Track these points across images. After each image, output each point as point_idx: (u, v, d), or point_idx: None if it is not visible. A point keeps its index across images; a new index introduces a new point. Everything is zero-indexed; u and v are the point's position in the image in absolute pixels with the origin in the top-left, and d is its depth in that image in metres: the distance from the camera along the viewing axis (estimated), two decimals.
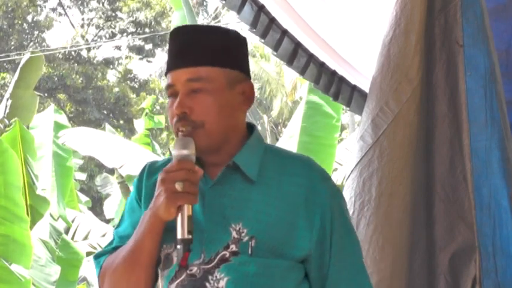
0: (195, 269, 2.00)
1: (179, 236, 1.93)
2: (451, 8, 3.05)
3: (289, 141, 9.81)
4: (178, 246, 1.93)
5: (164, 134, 26.87)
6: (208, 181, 2.05)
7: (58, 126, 11.62)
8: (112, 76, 30.05)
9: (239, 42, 2.16)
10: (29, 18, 28.83)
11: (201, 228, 2.00)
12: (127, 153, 10.71)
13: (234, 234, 2.00)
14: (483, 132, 3.00)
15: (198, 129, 2.04)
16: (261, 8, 3.38)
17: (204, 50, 2.08)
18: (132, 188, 2.25)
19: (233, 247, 1.99)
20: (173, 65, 2.10)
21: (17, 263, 8.34)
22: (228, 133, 2.08)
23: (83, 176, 20.92)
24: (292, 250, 2.02)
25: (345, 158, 10.37)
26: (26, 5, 27.96)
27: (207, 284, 1.98)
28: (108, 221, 15.24)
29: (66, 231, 11.21)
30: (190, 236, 1.93)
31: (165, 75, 2.13)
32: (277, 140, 19.08)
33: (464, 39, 3.04)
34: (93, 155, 11.26)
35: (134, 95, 28.65)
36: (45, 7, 29.89)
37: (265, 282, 1.99)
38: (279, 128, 28.37)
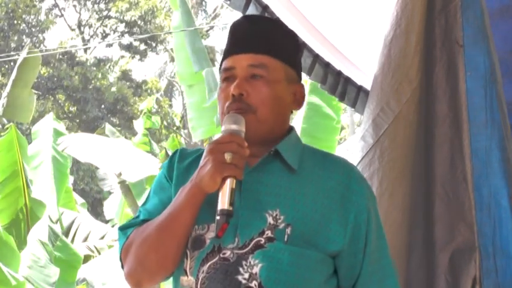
0: (228, 252, 1.98)
1: (220, 206, 1.93)
2: (451, 8, 3.05)
3: None
4: (218, 217, 1.92)
5: (162, 133, 26.89)
6: (246, 168, 2.03)
7: (57, 134, 11.95)
8: (110, 76, 30.09)
9: (299, 45, 2.21)
10: (28, 19, 28.84)
11: (236, 213, 1.98)
12: (126, 158, 10.74)
13: (270, 220, 1.99)
14: (483, 132, 3.00)
15: (250, 114, 2.04)
16: (265, 8, 3.38)
17: (269, 41, 2.10)
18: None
19: (268, 233, 1.98)
20: (235, 49, 2.10)
21: (7, 266, 8.38)
22: (275, 127, 2.10)
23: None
24: (325, 242, 2.02)
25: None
26: (25, 5, 27.97)
27: (241, 269, 1.97)
28: (107, 222, 15.25)
29: (67, 233, 11.26)
30: (231, 208, 1.93)
31: (222, 60, 2.13)
32: None
33: (464, 39, 3.04)
34: (92, 162, 11.34)
35: (132, 95, 28.66)
36: (41, 7, 29.90)
37: (297, 271, 1.99)
38: None
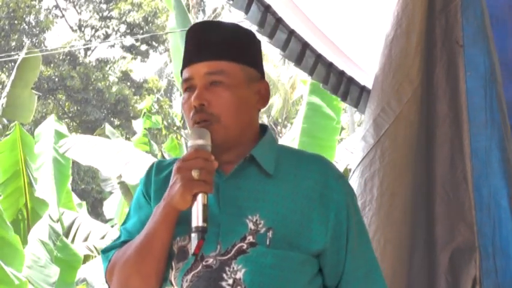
0: (211, 260, 1.99)
1: (194, 224, 1.92)
2: (451, 8, 3.06)
3: (291, 143, 9.83)
4: (193, 235, 1.92)
5: (163, 134, 26.89)
6: (222, 176, 2.04)
7: (58, 135, 12.06)
8: (111, 76, 30.09)
9: (256, 42, 2.18)
10: (28, 19, 28.84)
11: (216, 220, 1.99)
12: (126, 161, 10.76)
13: (250, 225, 2.00)
14: (483, 132, 3.01)
15: (215, 123, 2.04)
16: (267, 8, 3.38)
17: (224, 45, 2.08)
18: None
19: (250, 238, 1.99)
20: (192, 58, 2.09)
21: (10, 266, 8.38)
22: (243, 130, 2.09)
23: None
24: (308, 243, 2.02)
25: (344, 159, 10.41)
26: (26, 5, 27.97)
27: (224, 275, 1.97)
28: (107, 221, 15.27)
29: (67, 233, 11.27)
30: (205, 224, 1.92)
31: (181, 70, 2.12)
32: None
33: (464, 39, 3.04)
34: (92, 165, 11.39)
35: (133, 95, 28.67)
36: (41, 7, 29.90)
37: (280, 274, 1.99)
38: (279, 127, 28.41)
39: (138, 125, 16.88)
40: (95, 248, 11.43)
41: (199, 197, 1.94)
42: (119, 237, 2.13)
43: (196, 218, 1.93)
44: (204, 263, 1.99)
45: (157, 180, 2.12)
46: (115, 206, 14.78)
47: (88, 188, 25.32)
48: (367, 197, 2.98)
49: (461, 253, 2.97)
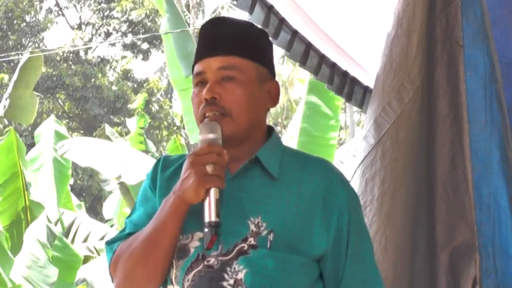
0: (212, 260, 1.99)
1: (207, 219, 1.93)
2: (452, 8, 3.06)
3: (289, 142, 9.84)
4: (206, 230, 1.93)
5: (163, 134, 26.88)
6: (227, 174, 2.03)
7: (58, 136, 12.21)
8: (110, 75, 30.09)
9: (269, 42, 2.19)
10: (27, 18, 28.83)
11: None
12: (125, 161, 10.78)
13: (252, 227, 2.00)
14: (483, 132, 3.01)
15: (226, 117, 2.04)
16: (270, 9, 3.38)
17: (238, 41, 2.09)
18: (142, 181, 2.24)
19: (251, 240, 1.99)
20: (205, 53, 2.09)
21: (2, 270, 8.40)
22: (252, 127, 2.10)
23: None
24: (309, 247, 2.02)
25: (346, 161, 10.43)
26: (25, 5, 27.96)
27: (225, 275, 1.98)
28: (106, 221, 15.28)
29: (67, 233, 11.29)
30: (218, 219, 1.93)
31: (193, 65, 2.13)
32: None
33: (464, 39, 3.04)
34: (92, 166, 11.43)
35: (133, 94, 28.66)
36: (41, 8, 29.90)
37: (281, 276, 1.99)
38: (278, 127, 28.39)
39: (132, 123, 16.91)
40: (95, 249, 11.44)
41: (212, 191, 1.94)
42: (124, 229, 2.12)
43: (209, 213, 1.93)
44: (205, 262, 2.00)
45: (164, 177, 2.12)
46: (114, 206, 14.79)
47: (87, 186, 25.31)
48: (368, 197, 2.98)
49: (461, 253, 2.97)
